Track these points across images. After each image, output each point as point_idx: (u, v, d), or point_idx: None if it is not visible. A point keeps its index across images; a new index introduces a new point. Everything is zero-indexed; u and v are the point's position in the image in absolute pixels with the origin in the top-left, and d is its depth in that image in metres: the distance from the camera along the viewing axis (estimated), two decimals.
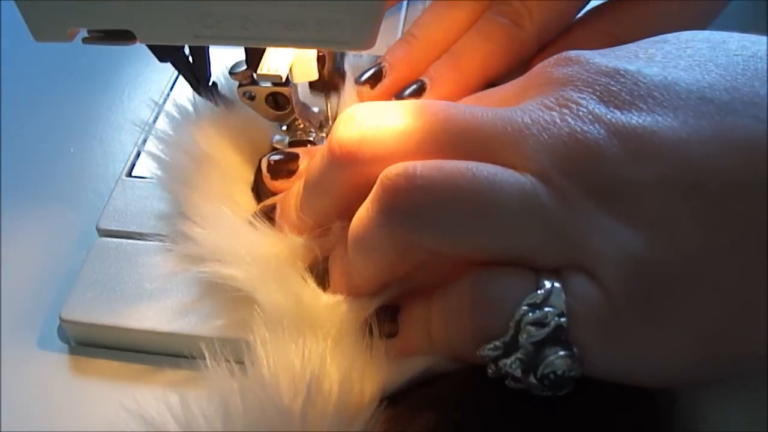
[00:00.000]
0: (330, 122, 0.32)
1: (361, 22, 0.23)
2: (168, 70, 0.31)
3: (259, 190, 0.31)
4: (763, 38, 0.24)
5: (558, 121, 0.23)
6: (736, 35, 0.24)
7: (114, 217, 0.32)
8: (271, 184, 0.30)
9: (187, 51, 0.30)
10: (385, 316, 0.26)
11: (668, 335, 0.21)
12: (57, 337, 0.30)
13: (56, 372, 0.29)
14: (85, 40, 0.25)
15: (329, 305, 0.26)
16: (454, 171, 0.22)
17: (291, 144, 0.31)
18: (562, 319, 0.22)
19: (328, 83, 0.30)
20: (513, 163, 0.23)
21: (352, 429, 0.24)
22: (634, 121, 0.22)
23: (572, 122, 0.23)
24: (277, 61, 0.29)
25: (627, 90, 0.23)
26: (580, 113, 0.23)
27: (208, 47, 0.31)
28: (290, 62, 0.29)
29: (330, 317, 0.26)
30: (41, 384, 0.28)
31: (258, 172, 0.31)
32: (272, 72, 0.29)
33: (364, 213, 0.24)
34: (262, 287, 0.27)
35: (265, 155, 0.31)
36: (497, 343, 0.22)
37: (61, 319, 0.29)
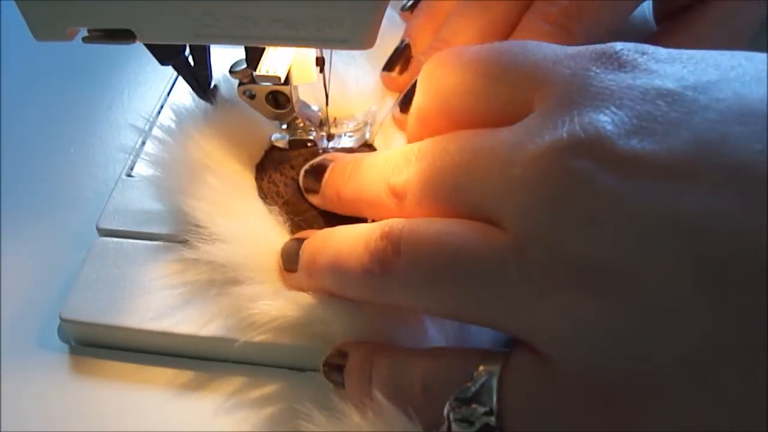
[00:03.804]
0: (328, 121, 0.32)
1: (362, 21, 0.23)
2: (168, 70, 0.31)
3: (266, 193, 0.31)
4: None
5: (562, 165, 0.19)
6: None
7: (114, 216, 0.32)
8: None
9: (187, 53, 0.30)
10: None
11: None
12: (57, 337, 0.30)
13: (56, 372, 0.29)
14: (85, 40, 0.25)
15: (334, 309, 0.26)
16: (433, 235, 0.22)
17: (291, 143, 0.31)
18: (491, 418, 0.20)
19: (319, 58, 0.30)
20: (498, 217, 0.21)
21: None
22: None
23: (579, 173, 0.19)
24: (276, 61, 0.29)
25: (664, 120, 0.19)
26: (599, 159, 0.19)
27: (209, 50, 0.31)
28: (289, 63, 0.29)
29: (332, 320, 0.26)
30: (41, 384, 0.28)
31: (258, 178, 0.31)
32: (271, 73, 0.28)
33: (361, 252, 0.23)
34: (264, 289, 0.27)
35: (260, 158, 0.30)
36: None
37: (61, 319, 0.29)
